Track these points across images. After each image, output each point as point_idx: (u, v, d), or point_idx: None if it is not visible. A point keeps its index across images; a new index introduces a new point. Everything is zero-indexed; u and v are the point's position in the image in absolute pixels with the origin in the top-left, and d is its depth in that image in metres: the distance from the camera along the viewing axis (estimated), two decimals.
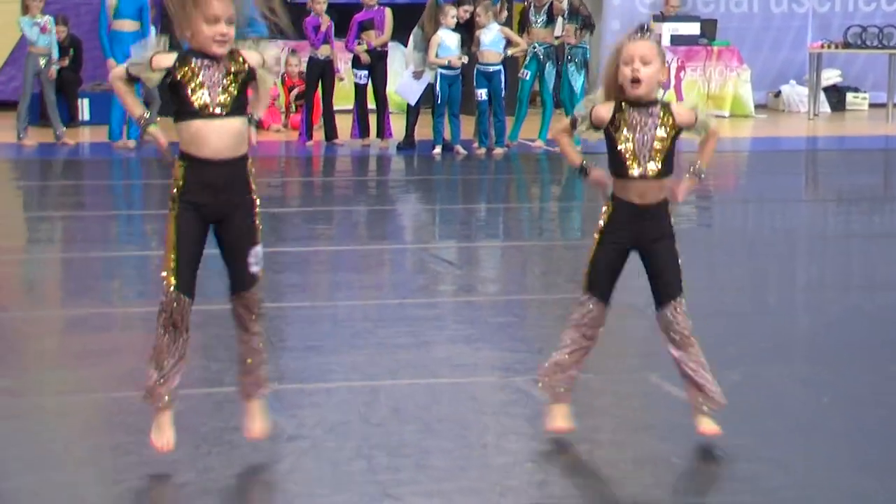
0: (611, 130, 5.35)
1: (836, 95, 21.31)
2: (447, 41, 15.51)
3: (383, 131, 16.42)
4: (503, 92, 15.76)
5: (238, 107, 5.10)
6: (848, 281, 9.36)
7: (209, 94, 5.04)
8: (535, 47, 16.15)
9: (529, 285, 9.10)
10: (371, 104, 16.44)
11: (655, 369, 6.33)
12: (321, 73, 16.23)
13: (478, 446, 5.50)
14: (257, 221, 5.22)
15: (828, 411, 6.07)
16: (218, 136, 5.06)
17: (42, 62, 16.19)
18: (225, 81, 5.08)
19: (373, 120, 16.47)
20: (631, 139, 5.31)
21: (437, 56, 15.50)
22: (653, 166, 5.31)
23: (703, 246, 10.59)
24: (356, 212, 12.18)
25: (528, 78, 16.26)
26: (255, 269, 5.21)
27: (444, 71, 15.51)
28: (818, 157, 17.14)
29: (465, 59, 15.59)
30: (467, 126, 16.07)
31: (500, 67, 15.63)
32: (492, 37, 15.56)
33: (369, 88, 16.31)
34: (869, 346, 7.27)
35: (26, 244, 10.36)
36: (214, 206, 5.11)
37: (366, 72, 16.17)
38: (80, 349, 7.06)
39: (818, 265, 10.11)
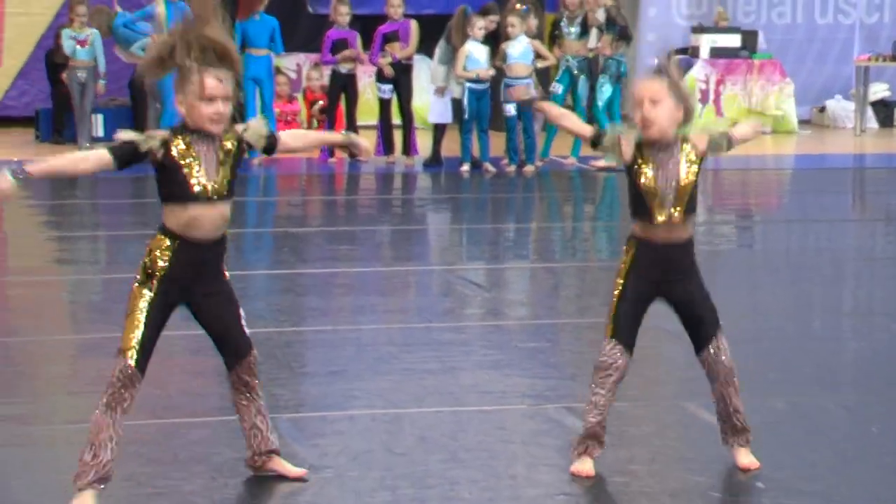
0: (633, 170, 5.36)
1: (885, 110, 21.24)
2: (475, 53, 15.53)
3: (409, 148, 16.45)
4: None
5: (231, 189, 5.14)
6: None
7: (206, 177, 5.05)
8: (567, 60, 16.17)
9: (561, 308, 9.10)
10: (396, 119, 16.47)
11: (692, 398, 6.32)
12: (344, 86, 16.26)
13: (506, 477, 5.50)
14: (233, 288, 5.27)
15: (875, 442, 6.05)
16: (212, 221, 5.10)
17: (81, 75, 16.35)
18: (221, 158, 5.10)
19: (398, 136, 16.50)
20: (654, 182, 5.32)
21: (464, 69, 15.52)
22: (677, 210, 5.32)
23: (745, 268, 10.58)
24: (380, 232, 12.21)
25: (559, 92, 16.27)
26: (247, 330, 5.29)
27: (471, 85, 15.53)
28: (865, 176, 17.09)
29: (493, 72, 15.60)
30: (496, 142, 16.08)
31: (530, 81, 15.64)
32: (521, 49, 15.57)
33: (394, 103, 16.34)
34: None
35: (39, 265, 10.41)
36: (195, 283, 5.13)
37: (390, 86, 16.19)
38: (93, 375, 7.07)
39: (866, 288, 10.08)
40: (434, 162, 16.05)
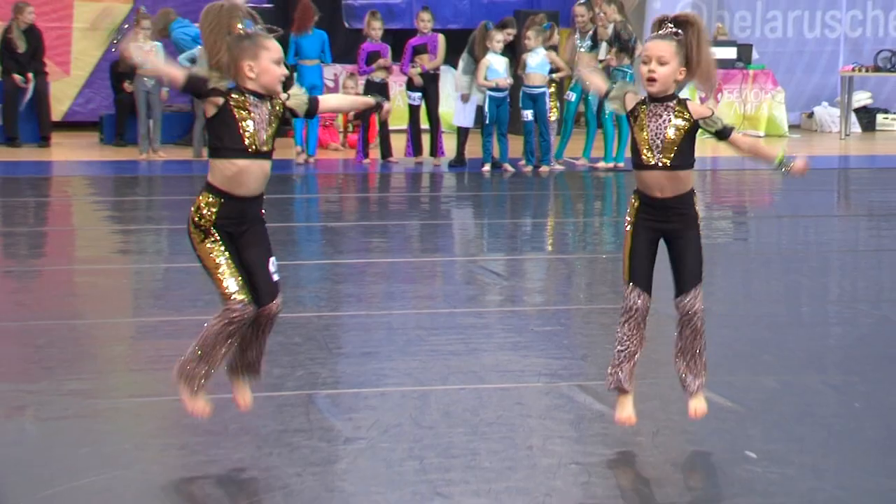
0: (631, 120, 5.38)
1: (867, 116, 21.14)
2: (495, 64, 15.51)
3: (436, 149, 16.44)
4: (548, 113, 15.76)
5: (272, 148, 5.19)
6: (879, 294, 9.27)
7: (257, 129, 5.09)
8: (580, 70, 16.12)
9: (573, 296, 9.07)
10: (424, 124, 16.46)
11: None
12: (377, 94, 16.23)
13: (524, 448, 5.49)
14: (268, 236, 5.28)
15: (859, 418, 6.02)
16: (255, 178, 5.14)
17: (147, 83, 16.40)
18: (270, 119, 5.14)
19: (426, 139, 16.48)
20: (646, 130, 5.32)
21: (485, 78, 15.50)
22: (665, 158, 5.30)
23: (740, 259, 10.54)
24: (409, 226, 12.19)
25: (573, 99, 16.22)
26: (276, 277, 5.25)
27: (492, 93, 15.51)
28: (849, 176, 17.00)
29: (511, 81, 15.59)
30: (515, 145, 16.05)
31: (545, 89, 15.63)
32: (538, 60, 15.55)
33: (423, 109, 16.33)
34: None
35: (104, 256, 10.42)
36: (238, 230, 5.17)
37: (419, 94, 16.19)
38: (151, 354, 7.10)
39: (850, 278, 10.03)
40: (458, 163, 16.04)
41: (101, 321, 8.02)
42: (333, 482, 5.11)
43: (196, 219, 5.15)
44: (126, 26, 18.84)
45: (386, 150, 16.42)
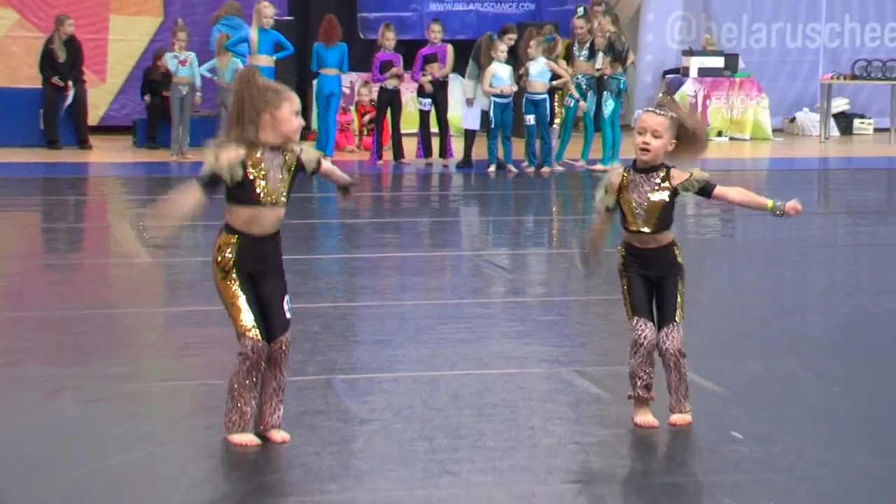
0: (620, 191, 5.41)
1: (845, 121, 21.08)
2: (500, 72, 15.51)
3: (445, 152, 16.43)
4: (549, 118, 15.77)
5: (288, 197, 5.14)
6: (855, 286, 9.26)
7: (270, 185, 5.05)
8: (577, 78, 16.10)
9: (572, 288, 9.06)
10: (434, 128, 16.46)
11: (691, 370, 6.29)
12: (390, 100, 16.26)
13: (526, 429, 5.49)
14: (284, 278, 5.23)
15: (837, 400, 6.01)
16: (270, 220, 5.10)
17: (182, 90, 16.44)
18: (283, 173, 5.09)
19: (435, 142, 16.47)
20: (632, 200, 5.37)
21: (490, 86, 15.50)
22: (646, 227, 5.35)
23: (726, 255, 10.52)
24: (420, 223, 12.18)
25: (572, 105, 16.20)
26: (289, 314, 5.20)
27: (496, 99, 15.51)
28: (829, 176, 16.96)
29: (515, 88, 15.59)
30: (518, 147, 16.03)
31: (546, 96, 15.62)
32: (539, 69, 15.54)
33: (432, 114, 16.34)
34: (875, 345, 7.19)
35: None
36: (257, 269, 5.13)
37: (429, 100, 16.19)
38: (181, 342, 7.11)
39: (829, 272, 10.01)
40: (466, 164, 16.02)
41: (135, 311, 8.03)
42: (349, 460, 5.12)
43: (218, 259, 5.12)
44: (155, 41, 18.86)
45: (398, 152, 16.42)
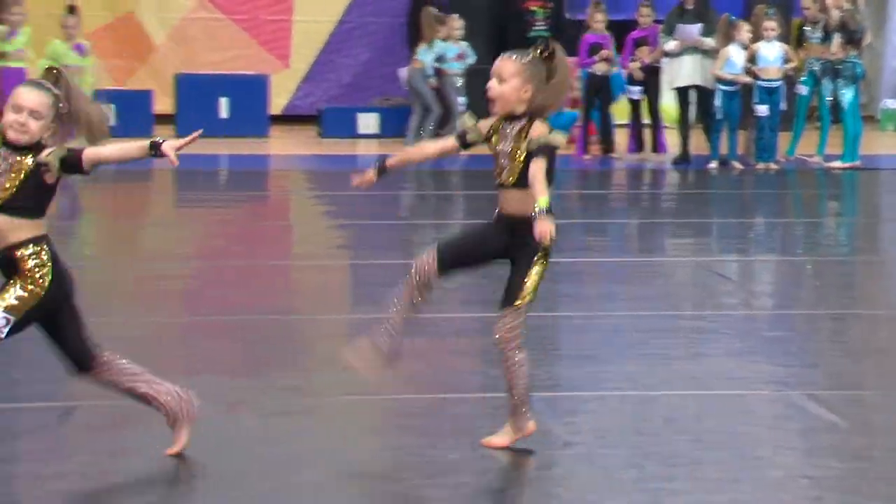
0: (488, 139, 5.35)
1: None
2: (734, 57, 15.27)
3: (657, 145, 16.30)
4: (781, 108, 15.48)
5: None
6: None
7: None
8: (811, 63, 15.76)
9: (804, 299, 8.86)
10: (646, 119, 16.33)
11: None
12: (598, 88, 16.19)
13: (751, 458, 5.37)
14: None
15: None
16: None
17: (459, 82, 16.64)
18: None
19: (648, 135, 16.35)
20: (495, 149, 5.32)
21: (722, 70, 15.29)
22: (510, 180, 5.26)
23: None
24: (630, 224, 12.10)
25: (805, 93, 15.87)
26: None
27: (724, 87, 15.29)
28: None
29: (750, 80, 15.31)
30: (742, 141, 15.79)
31: (781, 83, 15.33)
32: (775, 53, 15.27)
33: (644, 104, 16.22)
34: None
35: (320, 251, 10.62)
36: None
37: (640, 87, 16.08)
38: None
39: None
40: (683, 159, 15.85)
41: (315, 317, 8.17)
42: (550, 488, 5.10)
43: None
44: None
45: (608, 146, 16.34)
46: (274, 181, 15.21)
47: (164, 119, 17.59)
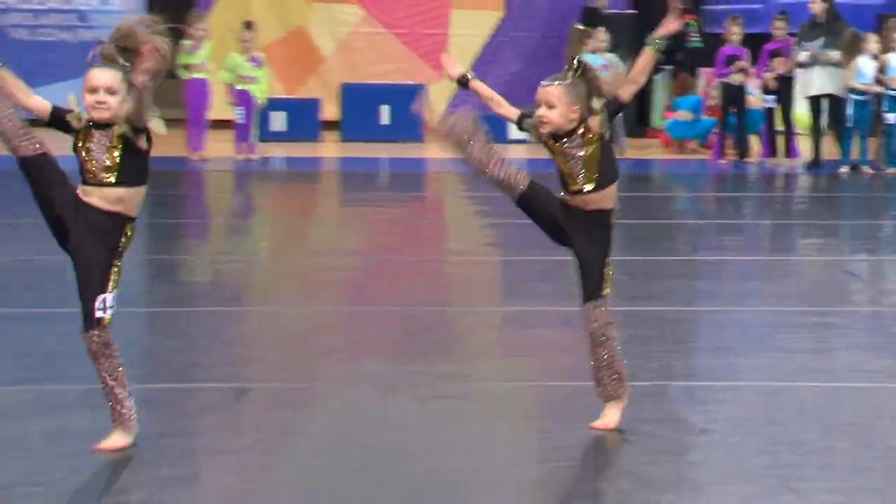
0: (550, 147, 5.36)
1: None
2: (865, 68, 14.99)
3: (789, 151, 16.07)
4: None
5: None
6: None
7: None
8: None
9: None
10: (779, 125, 16.11)
11: None
12: (734, 97, 16.04)
13: (881, 449, 5.25)
14: None
15: None
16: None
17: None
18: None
19: (781, 141, 16.10)
20: (569, 160, 5.29)
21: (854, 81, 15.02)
22: (587, 183, 5.27)
23: None
24: (763, 225, 11.91)
25: None
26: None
27: (856, 96, 15.01)
28: None
29: (881, 89, 15.01)
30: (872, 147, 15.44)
31: None
32: None
33: (777, 112, 16.01)
34: None
35: (473, 248, 10.65)
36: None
37: (774, 96, 15.90)
38: (516, 343, 7.20)
39: None
40: (814, 164, 15.57)
41: (470, 309, 8.19)
42: (685, 472, 5.05)
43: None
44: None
45: (743, 151, 16.14)
46: (430, 182, 15.29)
47: (330, 125, 17.81)
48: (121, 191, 4.92)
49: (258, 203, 13.49)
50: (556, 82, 5.30)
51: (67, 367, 6.22)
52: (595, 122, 5.29)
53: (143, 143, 4.95)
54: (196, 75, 15.39)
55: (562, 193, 5.35)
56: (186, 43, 15.31)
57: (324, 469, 4.98)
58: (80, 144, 4.93)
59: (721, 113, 16.35)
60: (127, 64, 4.88)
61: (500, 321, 7.92)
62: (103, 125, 4.90)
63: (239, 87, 15.61)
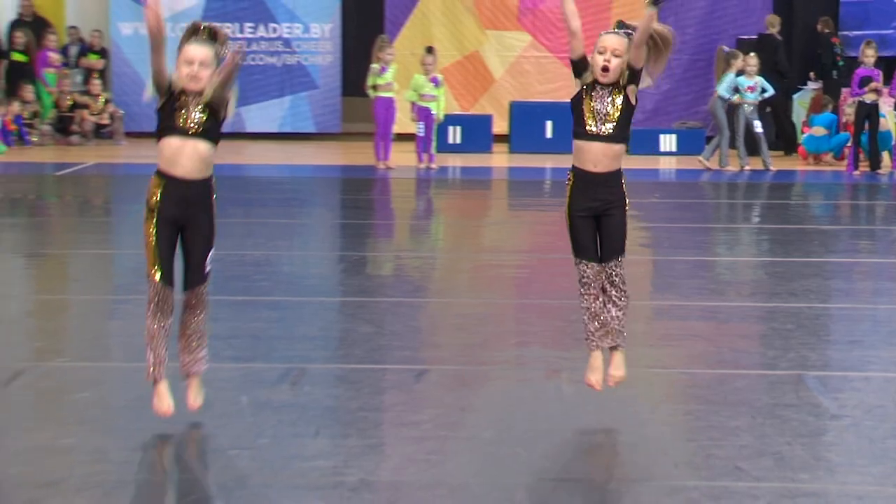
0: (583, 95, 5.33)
1: None
2: None
3: None
4: None
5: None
6: None
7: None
8: None
9: None
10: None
11: None
12: (867, 114, 15.58)
13: None
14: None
15: None
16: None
17: (748, 109, 15.83)
18: None
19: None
20: (595, 107, 5.31)
21: None
22: (609, 127, 5.33)
23: None
24: (894, 230, 11.52)
25: None
26: (209, 267, 4.97)
27: None
28: None
29: None
30: None
31: None
32: None
33: None
34: None
35: (628, 247, 10.52)
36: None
37: None
38: (664, 332, 7.12)
39: None
40: None
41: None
42: (820, 452, 4.92)
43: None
44: None
45: (875, 163, 15.65)
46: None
47: (500, 138, 17.87)
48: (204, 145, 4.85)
49: (436, 207, 13.60)
50: (620, 32, 5.25)
51: (271, 348, 6.39)
52: (625, 77, 5.27)
53: (224, 113, 4.94)
54: (383, 94, 15.59)
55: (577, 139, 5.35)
56: (375, 66, 15.52)
57: (493, 441, 4.99)
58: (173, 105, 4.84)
59: (854, 129, 15.90)
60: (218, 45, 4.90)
61: (651, 313, 7.83)
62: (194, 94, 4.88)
63: (420, 104, 15.79)
